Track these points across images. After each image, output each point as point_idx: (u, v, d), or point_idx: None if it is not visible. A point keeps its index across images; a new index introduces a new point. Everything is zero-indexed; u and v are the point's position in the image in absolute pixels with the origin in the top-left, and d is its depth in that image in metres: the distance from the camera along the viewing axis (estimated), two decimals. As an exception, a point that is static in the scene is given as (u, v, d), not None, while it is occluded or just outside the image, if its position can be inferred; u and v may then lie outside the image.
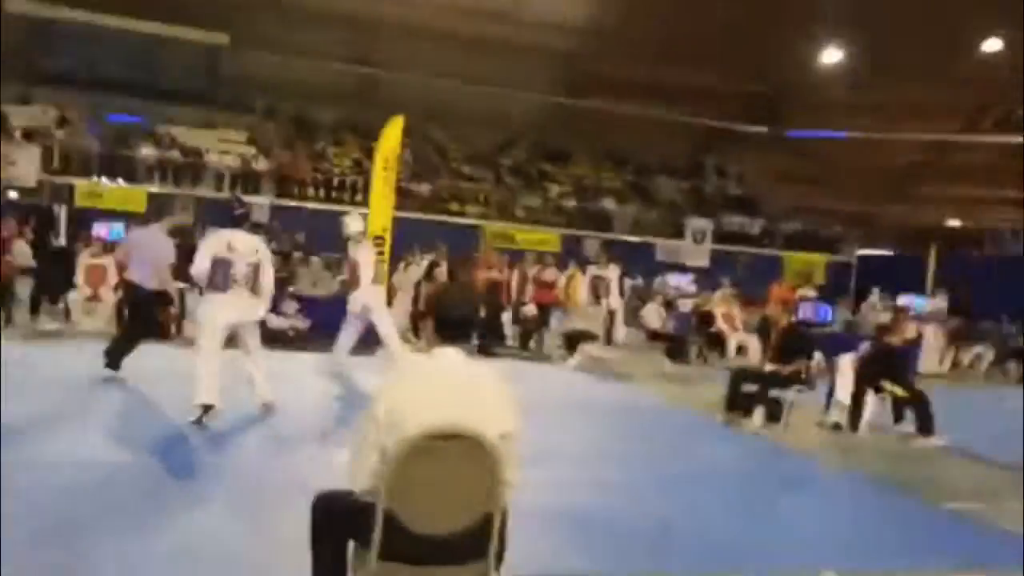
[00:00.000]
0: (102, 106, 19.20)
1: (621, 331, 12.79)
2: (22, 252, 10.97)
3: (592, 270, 12.53)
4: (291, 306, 11.08)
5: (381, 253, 10.34)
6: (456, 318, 2.75)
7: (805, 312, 12.51)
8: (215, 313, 6.32)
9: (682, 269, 18.42)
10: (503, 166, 23.19)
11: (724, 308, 12.90)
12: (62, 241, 12.12)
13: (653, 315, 13.33)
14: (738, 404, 7.87)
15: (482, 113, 22.46)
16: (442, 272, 11.78)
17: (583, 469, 5.87)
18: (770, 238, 22.82)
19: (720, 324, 12.63)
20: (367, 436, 2.59)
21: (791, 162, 23.98)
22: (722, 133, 24.04)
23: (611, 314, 12.41)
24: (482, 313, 12.03)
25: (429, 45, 20.64)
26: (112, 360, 7.54)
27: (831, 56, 21.65)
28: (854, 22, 18.67)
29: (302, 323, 11.02)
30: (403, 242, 12.17)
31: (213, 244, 6.37)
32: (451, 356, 2.69)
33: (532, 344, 12.64)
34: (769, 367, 7.85)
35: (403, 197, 18.23)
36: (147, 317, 8.30)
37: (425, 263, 12.24)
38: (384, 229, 10.86)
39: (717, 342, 12.66)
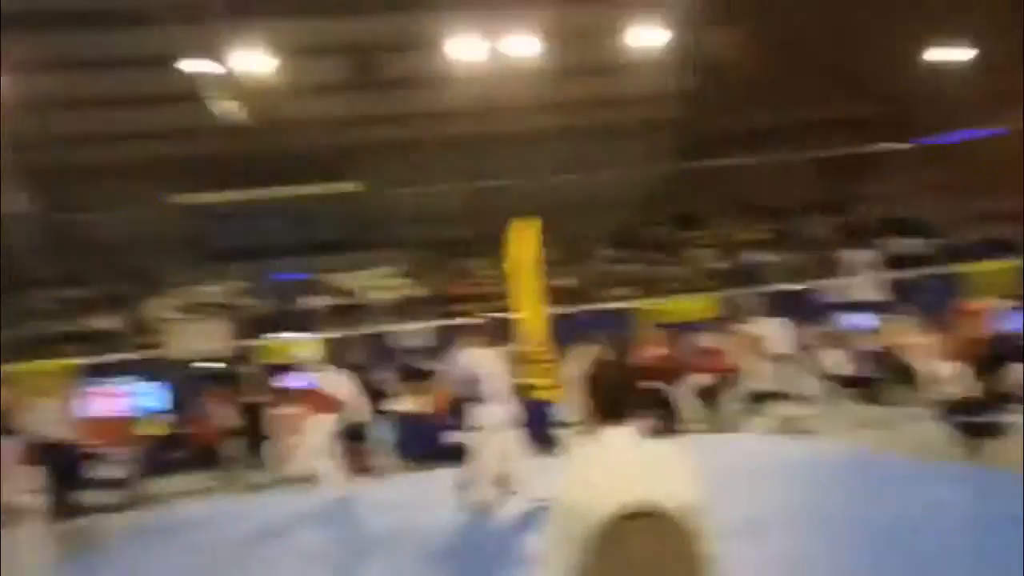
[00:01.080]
0: (269, 271, 21.06)
1: (809, 384, 12.16)
2: (228, 415, 11.99)
3: (748, 328, 12.11)
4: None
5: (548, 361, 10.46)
6: (613, 394, 2.71)
7: (1002, 323, 11.41)
8: None
9: (857, 307, 17.38)
10: (644, 243, 23.15)
11: (909, 338, 11.99)
12: (256, 398, 13.14)
13: (836, 360, 12.59)
14: (960, 437, 7.27)
15: (610, 197, 22.74)
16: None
17: (791, 537, 5.52)
18: (946, 255, 21.16)
19: (909, 356, 11.72)
20: (554, 529, 2.58)
21: (941, 171, 22.42)
22: (858, 160, 22.99)
23: (786, 368, 11.86)
24: (655, 392, 11.89)
25: (540, 147, 21.49)
26: None
27: (946, 55, 20.36)
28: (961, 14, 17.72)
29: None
30: (562, 339, 12.19)
31: None
32: (620, 434, 2.67)
33: (710, 415, 12.23)
34: (972, 390, 7.22)
35: (551, 295, 18.60)
36: None
37: (586, 356, 12.24)
38: (541, 334, 10.97)
39: (909, 376, 11.73)
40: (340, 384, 9.78)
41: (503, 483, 7.20)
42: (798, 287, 19.98)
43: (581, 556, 2.46)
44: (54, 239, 21.88)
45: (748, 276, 20.84)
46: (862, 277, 19.78)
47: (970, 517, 5.78)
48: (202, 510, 8.64)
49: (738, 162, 21.38)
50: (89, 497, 9.55)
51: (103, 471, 9.43)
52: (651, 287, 20.89)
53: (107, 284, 21.37)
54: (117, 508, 9.86)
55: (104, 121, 19.46)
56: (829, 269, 20.63)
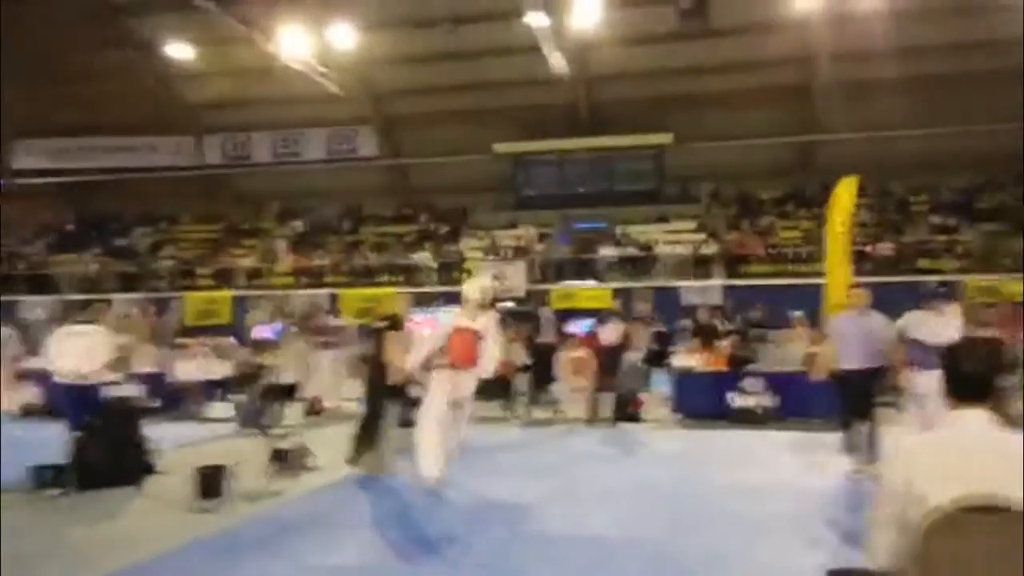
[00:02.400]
0: (571, 219, 21.77)
1: None
2: (518, 352, 12.69)
3: None
4: (756, 384, 10.92)
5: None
6: (974, 374, 2.42)
7: None
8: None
9: None
10: (982, 211, 20.23)
11: None
12: (548, 339, 13.74)
13: None
14: None
15: (947, 157, 20.03)
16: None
17: None
18: None
19: None
20: (883, 508, 2.39)
21: None
22: None
23: None
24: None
25: (870, 99, 19.36)
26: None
27: None
28: None
29: (769, 400, 10.76)
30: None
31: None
32: (974, 419, 2.38)
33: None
34: None
35: (863, 261, 17.03)
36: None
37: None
38: (839, 300, 10.08)
39: None
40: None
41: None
42: None
43: (913, 542, 2.23)
44: (390, 181, 24.56)
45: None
46: None
47: None
48: (486, 435, 9.25)
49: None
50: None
51: (413, 390, 10.48)
52: (983, 261, 18.31)
53: (425, 223, 23.58)
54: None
55: (440, 74, 21.07)
56: None
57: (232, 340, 14.95)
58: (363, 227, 24.06)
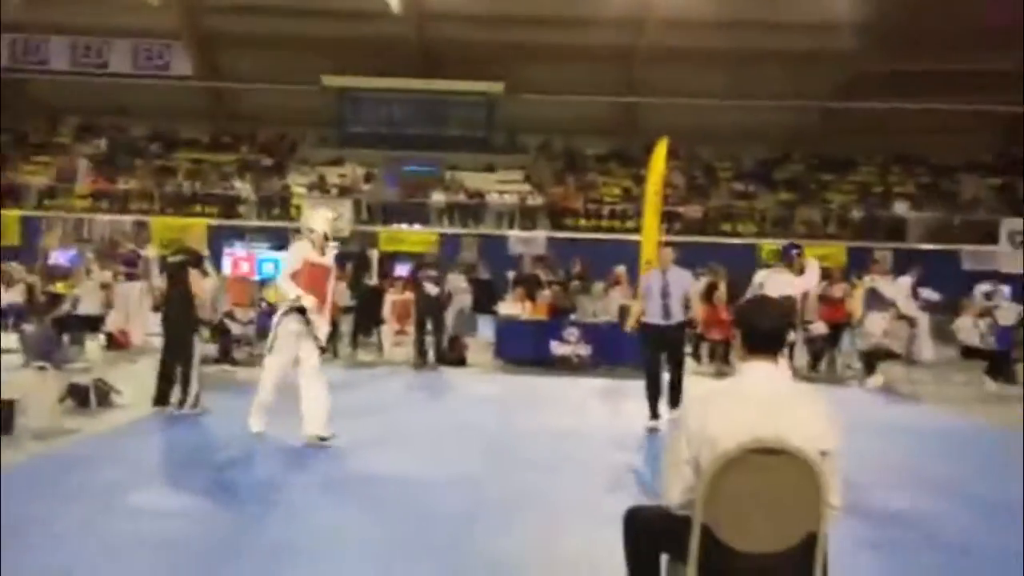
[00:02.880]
0: (399, 160, 21.45)
1: (927, 348, 11.54)
2: (343, 293, 12.47)
3: (867, 281, 11.47)
4: (573, 333, 11.44)
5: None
6: (766, 329, 2.65)
7: None
8: None
9: (998, 278, 16.18)
10: (778, 181, 22.16)
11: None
12: (374, 281, 13.61)
13: (969, 329, 11.83)
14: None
15: (752, 128, 21.68)
16: (721, 293, 11.48)
17: (892, 496, 5.34)
18: None
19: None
20: (679, 450, 2.60)
21: None
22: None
23: (912, 329, 11.28)
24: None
25: (691, 66, 20.47)
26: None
27: None
28: None
29: (584, 350, 11.32)
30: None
31: None
32: (763, 370, 2.62)
33: (822, 366, 11.83)
34: None
35: (674, 221, 18.21)
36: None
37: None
38: (650, 258, 10.65)
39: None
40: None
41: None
42: (938, 248, 18.82)
43: (703, 482, 2.45)
44: (208, 104, 22.91)
45: (885, 229, 19.73)
46: (1012, 248, 18.38)
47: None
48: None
49: (900, 106, 19.82)
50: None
51: (232, 328, 10.07)
52: (777, 226, 20.14)
53: (247, 153, 22.34)
54: (240, 363, 10.53)
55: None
56: (980, 235, 19.23)
57: (14, 264, 13.55)
58: (176, 152, 22.42)
